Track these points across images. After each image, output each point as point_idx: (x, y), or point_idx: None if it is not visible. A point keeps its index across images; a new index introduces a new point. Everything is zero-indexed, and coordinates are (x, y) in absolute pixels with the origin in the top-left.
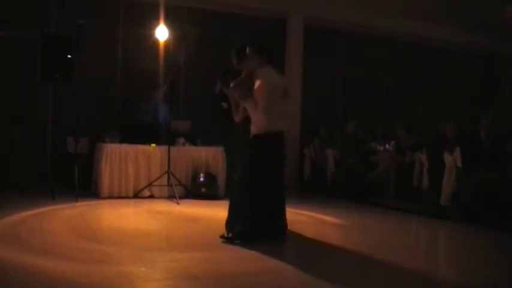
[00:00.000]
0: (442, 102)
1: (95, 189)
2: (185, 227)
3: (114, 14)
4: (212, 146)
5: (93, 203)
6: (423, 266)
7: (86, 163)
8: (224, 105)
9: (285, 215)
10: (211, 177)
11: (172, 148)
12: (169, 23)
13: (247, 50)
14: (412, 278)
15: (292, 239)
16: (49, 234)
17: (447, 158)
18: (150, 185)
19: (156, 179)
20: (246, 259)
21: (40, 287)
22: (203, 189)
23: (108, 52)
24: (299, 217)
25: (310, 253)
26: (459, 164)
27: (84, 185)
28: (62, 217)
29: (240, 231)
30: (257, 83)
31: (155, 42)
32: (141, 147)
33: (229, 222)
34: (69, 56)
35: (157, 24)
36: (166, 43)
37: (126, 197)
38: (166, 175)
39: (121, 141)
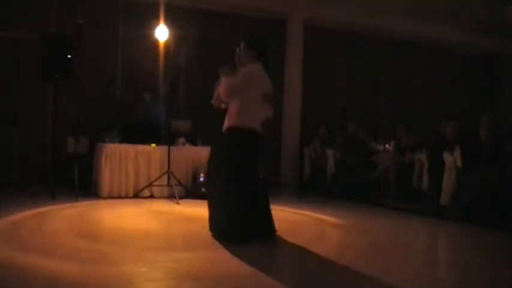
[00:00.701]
0: (442, 102)
1: (95, 189)
2: (185, 227)
3: (114, 14)
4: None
5: (93, 203)
6: (423, 266)
7: (86, 163)
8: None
9: (270, 214)
10: None
11: (172, 148)
12: (169, 23)
13: (241, 45)
14: (412, 278)
15: (291, 239)
16: (49, 234)
17: (447, 158)
18: (150, 185)
19: (156, 179)
20: (246, 259)
21: (40, 287)
22: (203, 189)
23: (108, 52)
24: (299, 217)
25: (310, 253)
26: (459, 164)
27: (84, 185)
28: (62, 217)
29: (226, 231)
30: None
31: (155, 42)
32: (141, 147)
33: (214, 222)
34: (69, 56)
35: (157, 24)
36: (166, 43)
37: (126, 197)
38: (166, 175)
39: (121, 141)
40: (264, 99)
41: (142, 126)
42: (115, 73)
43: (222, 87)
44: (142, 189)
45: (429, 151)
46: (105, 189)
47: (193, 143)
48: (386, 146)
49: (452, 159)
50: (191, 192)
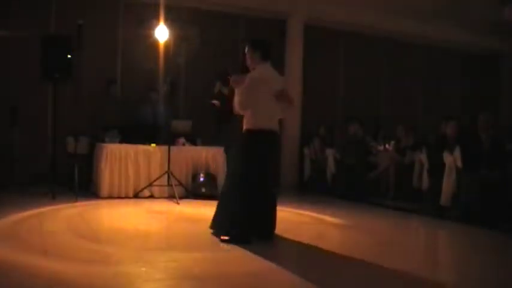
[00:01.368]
0: (442, 103)
1: (95, 189)
2: (185, 227)
3: (114, 14)
4: (212, 146)
5: (93, 202)
6: (423, 266)
7: (86, 163)
8: (223, 89)
9: (275, 215)
10: (211, 177)
11: (172, 148)
12: (169, 23)
13: (246, 47)
14: (412, 278)
15: (291, 239)
16: (49, 234)
17: (447, 158)
18: (150, 185)
19: (156, 179)
20: (245, 259)
21: (40, 287)
22: (203, 189)
23: (108, 52)
24: (299, 217)
25: (310, 253)
26: (459, 164)
27: (84, 185)
28: (62, 217)
29: (236, 232)
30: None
31: (155, 42)
32: (141, 147)
33: (217, 221)
34: (69, 56)
35: (157, 24)
36: (166, 43)
37: (126, 197)
38: (166, 175)
39: (121, 141)
40: (278, 97)
41: (149, 125)
42: (115, 73)
43: (236, 101)
44: (142, 189)
45: (429, 151)
46: (105, 189)
47: (193, 143)
48: (387, 146)
49: (452, 159)
50: (191, 193)
